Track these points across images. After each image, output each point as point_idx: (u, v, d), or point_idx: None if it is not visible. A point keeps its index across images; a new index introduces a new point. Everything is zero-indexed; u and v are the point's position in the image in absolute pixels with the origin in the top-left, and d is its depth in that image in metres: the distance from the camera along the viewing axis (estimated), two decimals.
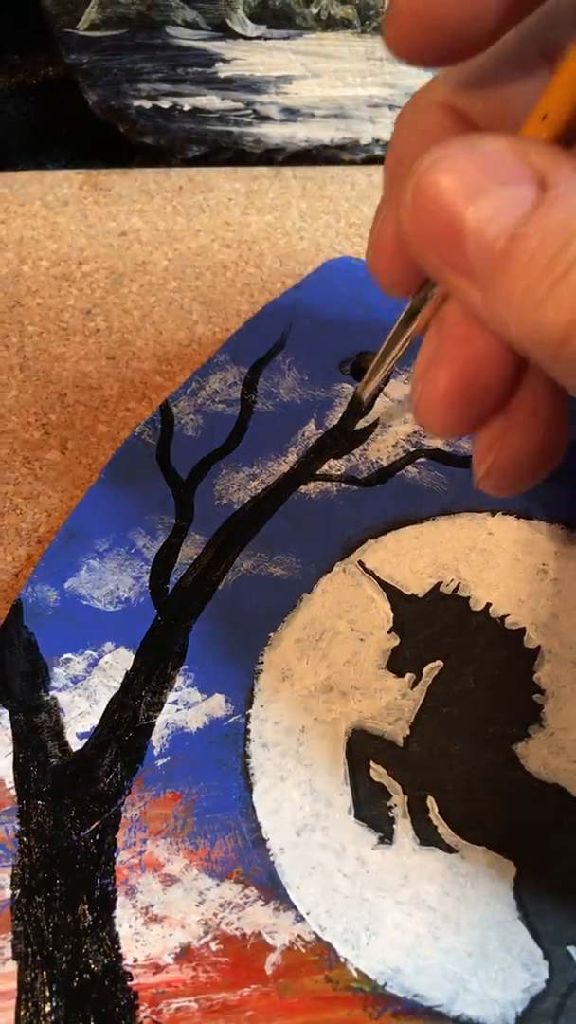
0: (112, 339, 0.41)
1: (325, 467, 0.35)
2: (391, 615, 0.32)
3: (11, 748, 0.30)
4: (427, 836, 0.28)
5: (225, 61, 0.44)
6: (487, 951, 0.27)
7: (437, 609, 0.32)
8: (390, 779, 0.29)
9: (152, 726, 0.30)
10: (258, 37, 0.44)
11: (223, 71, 0.45)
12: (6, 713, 0.30)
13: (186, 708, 0.30)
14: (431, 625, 0.32)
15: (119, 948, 0.27)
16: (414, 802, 0.29)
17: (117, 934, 0.27)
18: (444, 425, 0.22)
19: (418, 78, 0.45)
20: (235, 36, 0.44)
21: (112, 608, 0.32)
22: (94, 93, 0.46)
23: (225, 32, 0.43)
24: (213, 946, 0.27)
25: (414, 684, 0.31)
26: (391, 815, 0.28)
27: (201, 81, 0.45)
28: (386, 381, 0.31)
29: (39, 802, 0.29)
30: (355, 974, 0.26)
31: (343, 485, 0.35)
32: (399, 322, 0.25)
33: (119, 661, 0.31)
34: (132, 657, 0.31)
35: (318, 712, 0.30)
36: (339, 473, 0.35)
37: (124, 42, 0.44)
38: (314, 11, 0.43)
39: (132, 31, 0.44)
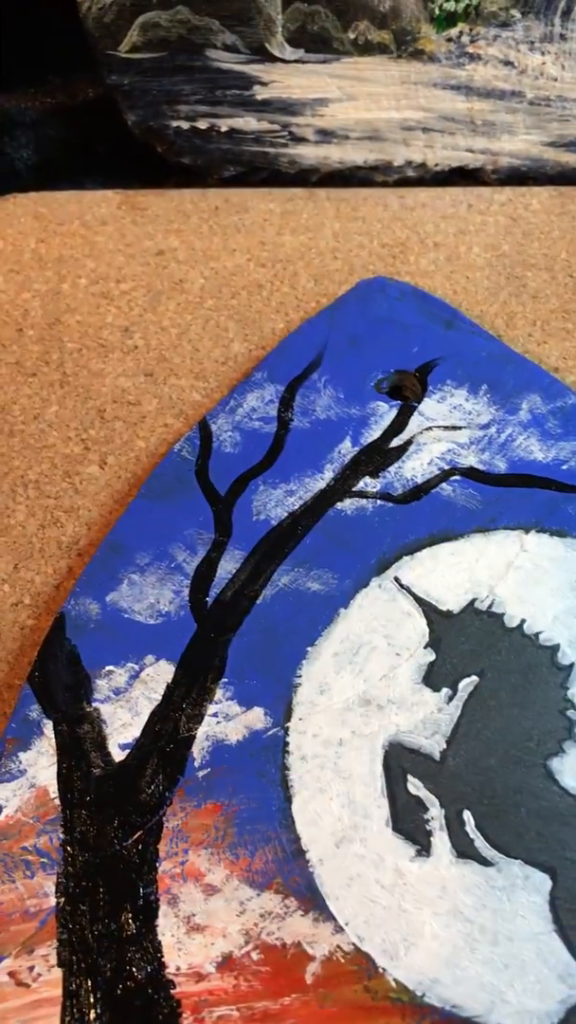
0: (150, 356, 0.42)
1: (361, 484, 0.36)
2: (427, 630, 0.32)
3: (55, 758, 0.30)
4: (464, 849, 0.29)
5: (263, 84, 0.45)
6: (523, 963, 0.27)
7: (472, 625, 0.32)
8: (427, 792, 0.29)
9: (193, 738, 0.31)
10: (296, 61, 0.44)
11: (260, 93, 0.46)
12: (50, 724, 0.31)
13: (226, 720, 0.31)
14: (466, 641, 0.32)
15: (162, 956, 0.27)
16: (451, 815, 0.29)
17: (160, 943, 0.27)
18: None
19: (452, 102, 0.46)
20: (273, 59, 0.44)
21: (153, 621, 0.33)
22: (133, 114, 0.47)
23: (263, 55, 0.44)
24: (254, 955, 0.27)
25: (450, 699, 0.31)
26: (428, 828, 0.29)
27: (239, 103, 0.46)
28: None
29: (82, 812, 0.29)
30: (394, 984, 0.27)
31: (378, 502, 0.35)
32: None
33: (160, 674, 0.32)
34: (172, 670, 0.32)
35: (355, 725, 0.31)
36: (374, 490, 0.36)
37: (164, 64, 0.45)
38: (352, 36, 0.44)
39: (172, 53, 0.44)
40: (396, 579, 0.34)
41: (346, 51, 0.44)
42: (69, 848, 0.29)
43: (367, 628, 0.33)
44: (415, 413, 0.37)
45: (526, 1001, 0.26)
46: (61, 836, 0.29)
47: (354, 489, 0.36)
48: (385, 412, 0.38)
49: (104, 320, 0.43)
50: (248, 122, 0.47)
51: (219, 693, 0.31)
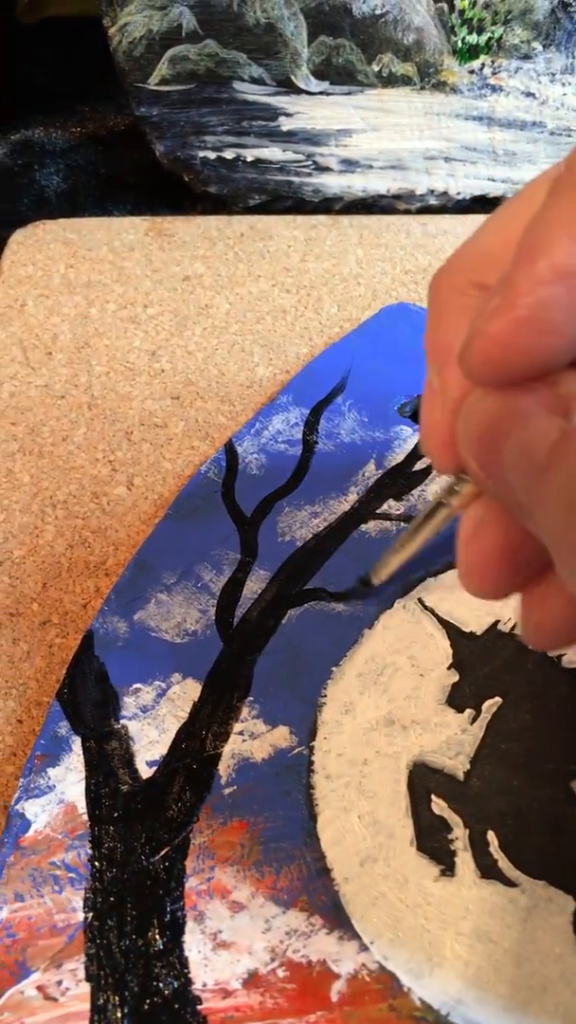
0: (176, 379, 0.43)
1: (385, 507, 0.36)
2: (450, 651, 0.33)
3: (83, 774, 0.31)
4: (488, 870, 0.29)
5: (288, 115, 0.46)
6: (547, 984, 0.27)
7: (495, 646, 0.33)
8: (451, 812, 0.30)
9: (219, 756, 0.31)
10: (321, 93, 0.46)
11: (286, 124, 0.47)
12: (79, 740, 0.31)
13: (252, 739, 0.31)
14: (490, 662, 0.32)
15: (189, 972, 0.27)
16: (475, 835, 0.29)
17: (187, 958, 0.28)
18: (487, 591, 0.22)
19: (473, 133, 0.47)
20: (299, 91, 0.45)
21: (180, 640, 0.33)
22: (161, 144, 0.48)
23: (289, 88, 0.45)
24: (280, 972, 0.27)
25: (473, 720, 0.31)
26: (452, 848, 0.29)
27: (264, 134, 0.47)
28: (404, 565, 0.32)
29: (110, 827, 0.30)
30: (418, 1003, 0.27)
31: (402, 524, 0.36)
32: (430, 507, 0.25)
33: (187, 692, 0.32)
34: (199, 688, 0.32)
35: (380, 745, 0.31)
36: (398, 513, 0.36)
37: (192, 96, 0.46)
38: (376, 68, 0.45)
39: (200, 86, 0.46)
40: (420, 600, 0.34)
41: (370, 83, 0.45)
42: (97, 863, 0.29)
43: (391, 649, 0.33)
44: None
45: (550, 1023, 0.26)
46: (89, 851, 0.29)
47: (378, 511, 0.36)
48: (409, 436, 0.38)
49: (132, 344, 0.44)
50: (273, 152, 0.48)
51: (245, 712, 0.32)
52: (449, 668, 0.32)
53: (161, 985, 0.27)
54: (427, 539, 0.28)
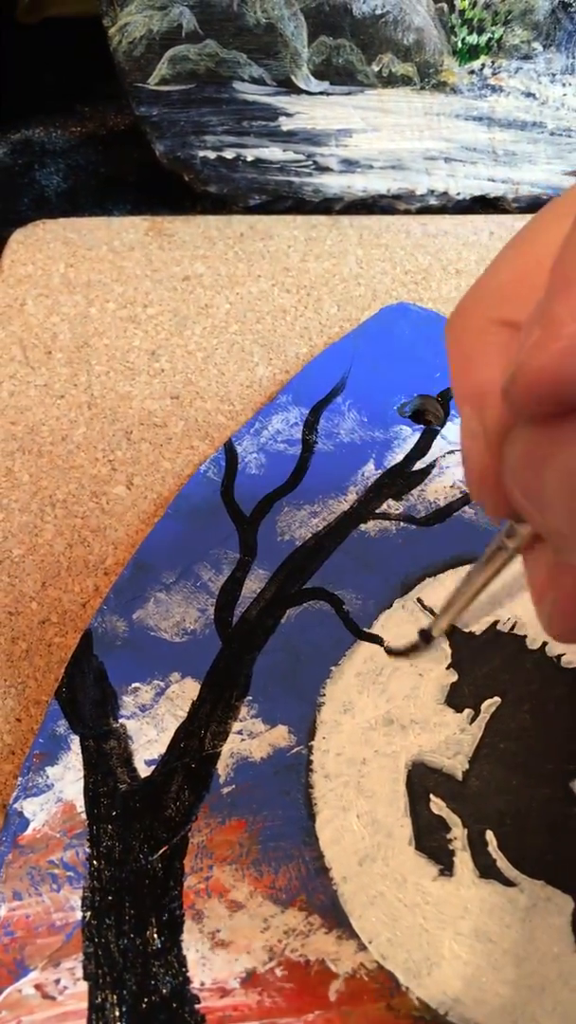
0: (176, 379, 0.43)
1: (384, 506, 0.36)
2: (449, 651, 0.33)
3: (82, 773, 0.31)
4: (487, 869, 0.29)
5: (288, 115, 0.46)
6: (545, 984, 0.27)
7: (494, 646, 0.33)
8: (449, 812, 0.30)
9: (217, 755, 0.31)
10: (321, 93, 0.46)
11: (286, 124, 0.47)
12: (77, 739, 0.31)
13: (250, 738, 0.31)
14: (489, 662, 0.32)
15: (187, 971, 0.27)
16: (473, 835, 0.29)
17: (185, 957, 0.28)
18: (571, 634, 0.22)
19: (474, 133, 0.47)
20: (299, 91, 0.45)
21: (178, 639, 0.33)
22: (161, 144, 0.48)
23: (289, 88, 0.45)
24: (278, 972, 0.27)
25: (472, 719, 0.31)
26: (451, 847, 0.29)
27: (265, 134, 0.47)
28: (464, 614, 0.32)
29: (109, 826, 0.30)
30: (417, 1003, 0.27)
31: (402, 524, 0.36)
32: (487, 555, 0.25)
33: (185, 691, 0.32)
34: (198, 687, 0.32)
35: (379, 745, 0.31)
36: (397, 512, 0.36)
37: (192, 96, 0.46)
38: (376, 68, 0.45)
39: (200, 86, 0.46)
40: (419, 600, 0.34)
41: (370, 83, 0.45)
42: (95, 862, 0.29)
43: (390, 646, 0.33)
44: (438, 437, 0.38)
45: (548, 1022, 0.26)
46: (87, 850, 0.29)
47: (377, 511, 0.36)
48: (408, 436, 0.38)
49: (131, 343, 0.44)
50: (273, 152, 0.48)
51: (244, 711, 0.32)
52: (448, 668, 0.32)
53: (159, 984, 0.27)
54: (486, 586, 0.28)
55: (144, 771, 0.31)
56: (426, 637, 0.33)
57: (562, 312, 0.16)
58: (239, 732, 0.31)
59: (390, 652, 0.33)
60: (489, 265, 0.21)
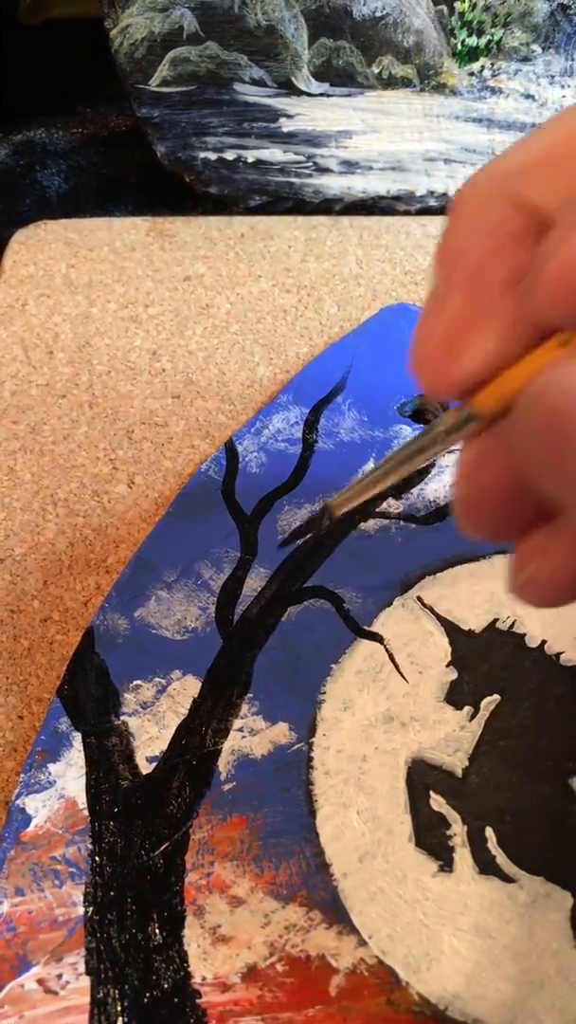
0: (177, 379, 0.43)
1: (384, 505, 0.37)
2: (449, 649, 0.33)
3: (84, 770, 0.31)
4: (486, 865, 0.29)
5: (289, 116, 0.47)
6: (544, 980, 0.27)
7: (494, 644, 0.33)
8: (449, 808, 0.30)
9: (218, 752, 0.31)
10: (321, 94, 0.46)
11: (286, 126, 0.47)
12: (79, 736, 0.32)
13: (251, 735, 0.32)
14: (488, 660, 0.33)
15: (188, 966, 0.28)
16: (473, 832, 0.29)
17: (186, 952, 0.28)
18: (482, 528, 0.20)
19: (473, 135, 0.47)
20: (299, 93, 0.46)
21: (180, 637, 0.34)
22: (163, 145, 0.48)
23: (290, 89, 0.46)
24: (279, 967, 0.27)
25: (472, 717, 0.32)
26: (451, 844, 0.29)
27: (265, 135, 0.47)
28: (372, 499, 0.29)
29: (110, 823, 0.30)
30: (417, 998, 0.27)
31: (401, 523, 0.36)
32: (422, 437, 0.21)
33: (186, 688, 0.32)
34: (199, 685, 0.33)
35: (379, 742, 0.31)
36: (397, 511, 0.36)
37: (193, 97, 0.46)
38: (376, 70, 0.45)
39: (201, 87, 0.46)
40: (419, 599, 0.34)
41: (370, 85, 0.45)
42: (97, 858, 0.29)
43: (390, 646, 0.33)
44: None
45: (547, 1018, 0.27)
46: (89, 846, 0.29)
47: (377, 510, 0.36)
48: (408, 435, 0.38)
49: (132, 343, 0.44)
50: (274, 153, 0.48)
51: (244, 708, 0.32)
52: (448, 666, 0.33)
53: (160, 979, 0.27)
54: (405, 471, 0.23)
55: (145, 768, 0.31)
56: (327, 514, 0.26)
57: None
58: (240, 729, 0.32)
59: (292, 534, 0.28)
60: (512, 144, 0.19)
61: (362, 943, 0.28)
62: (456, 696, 0.32)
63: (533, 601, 0.20)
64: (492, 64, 0.46)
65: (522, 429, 0.17)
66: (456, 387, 0.19)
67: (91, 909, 0.28)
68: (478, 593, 0.34)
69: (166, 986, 0.27)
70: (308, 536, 0.30)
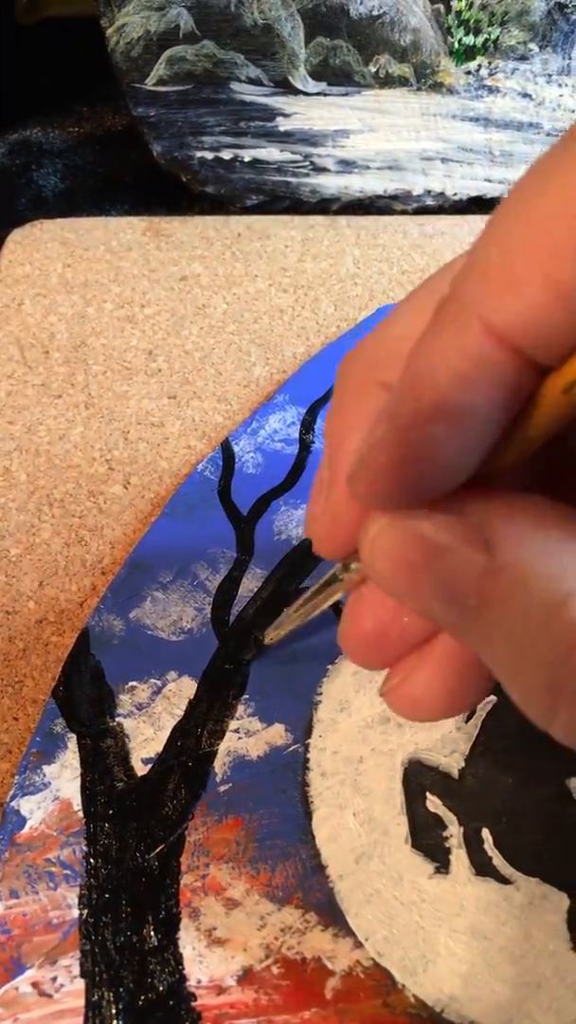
0: (173, 379, 0.43)
1: None
2: None
3: (79, 771, 0.31)
4: (482, 867, 0.29)
5: (285, 116, 0.46)
6: (541, 981, 0.27)
7: None
8: (446, 810, 0.30)
9: (214, 753, 0.31)
10: (318, 93, 0.46)
11: (283, 125, 0.47)
12: (74, 737, 0.31)
13: (247, 736, 0.31)
14: None
15: (183, 969, 0.27)
16: (469, 833, 0.29)
17: (181, 955, 0.28)
18: (363, 661, 0.22)
19: (470, 134, 0.47)
20: (296, 92, 0.46)
21: (175, 638, 0.34)
22: (159, 144, 0.48)
23: (287, 88, 0.45)
24: (274, 969, 0.27)
25: (468, 718, 0.31)
26: (447, 845, 0.29)
27: (262, 134, 0.47)
28: (296, 632, 0.31)
29: (105, 824, 0.30)
30: (413, 1000, 0.27)
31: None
32: (321, 582, 0.25)
33: (182, 689, 0.32)
34: (195, 686, 0.32)
35: (375, 743, 0.31)
36: None
37: (190, 97, 0.46)
38: (373, 69, 0.45)
39: (197, 86, 0.46)
40: None
41: (367, 84, 0.45)
42: (92, 860, 0.29)
43: None
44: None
45: (544, 1019, 0.26)
46: (84, 848, 0.29)
47: None
48: None
49: (128, 343, 0.44)
50: (271, 152, 0.48)
51: (240, 709, 0.32)
52: None
53: (155, 982, 0.27)
54: (320, 610, 0.27)
55: (141, 769, 0.31)
56: (257, 643, 0.33)
57: (406, 414, 0.16)
58: (236, 731, 0.32)
59: (231, 659, 0.33)
60: (387, 316, 0.20)
61: (358, 945, 0.28)
62: None
63: (398, 711, 0.22)
64: (489, 63, 0.45)
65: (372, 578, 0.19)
66: (340, 556, 0.22)
67: (86, 911, 0.28)
68: None
69: (161, 989, 0.27)
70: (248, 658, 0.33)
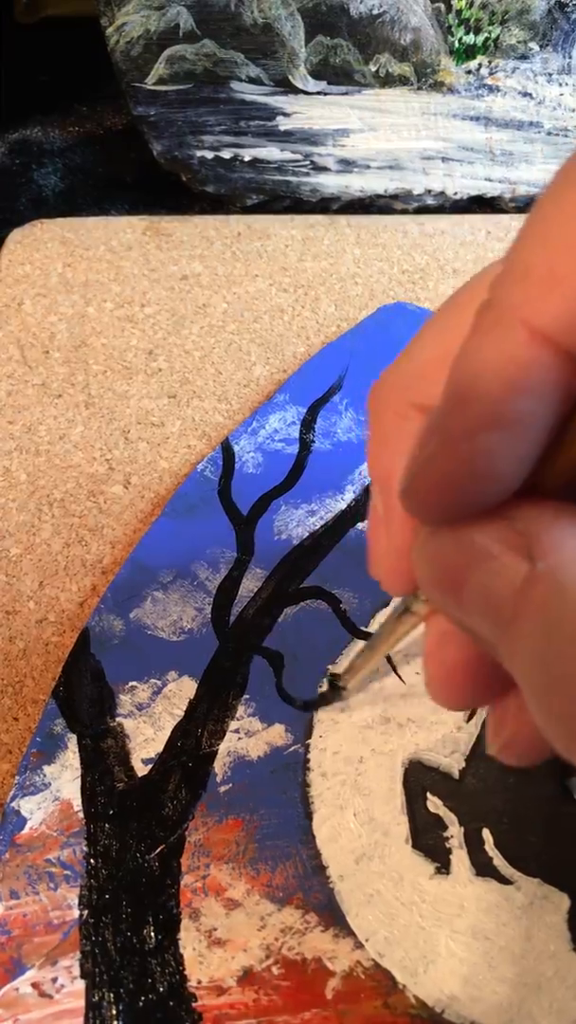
0: (173, 378, 0.43)
1: None
2: None
3: (79, 772, 0.31)
4: (483, 867, 0.29)
5: (286, 115, 0.46)
6: (542, 982, 0.27)
7: None
8: (446, 810, 0.30)
9: (214, 754, 0.31)
10: (318, 93, 0.46)
11: (283, 124, 0.47)
12: (74, 738, 0.31)
13: (247, 737, 0.31)
14: None
15: (183, 970, 0.27)
16: (470, 833, 0.29)
17: (181, 956, 0.28)
18: (452, 704, 0.21)
19: (471, 133, 0.47)
20: (296, 91, 0.46)
21: (176, 638, 0.34)
22: (159, 144, 0.48)
23: (287, 87, 0.45)
24: (275, 970, 0.27)
25: (469, 718, 0.31)
26: (448, 845, 0.29)
27: (262, 133, 0.47)
28: (373, 672, 0.31)
29: (106, 825, 0.30)
30: (413, 1001, 0.27)
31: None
32: (393, 617, 0.24)
33: (182, 690, 0.32)
34: (195, 686, 0.32)
35: (375, 743, 0.31)
36: None
37: (190, 96, 0.46)
38: (373, 68, 0.45)
39: (198, 85, 0.46)
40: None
41: (367, 83, 0.45)
42: (92, 861, 0.29)
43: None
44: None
45: (544, 1020, 0.26)
46: (84, 849, 0.29)
47: None
48: None
49: (129, 343, 0.44)
50: (271, 152, 0.48)
51: (240, 710, 0.32)
52: None
53: (156, 982, 0.27)
54: (393, 646, 0.27)
55: (141, 770, 0.31)
56: (334, 688, 0.32)
57: (455, 426, 0.16)
58: (236, 731, 0.32)
59: (303, 706, 0.32)
60: (414, 338, 0.20)
61: (359, 946, 0.28)
62: None
63: (514, 762, 0.21)
64: (490, 62, 0.45)
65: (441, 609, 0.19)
66: (410, 590, 0.21)
67: (86, 912, 0.28)
68: None
69: (161, 989, 0.27)
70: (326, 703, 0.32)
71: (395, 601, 0.25)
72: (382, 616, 0.34)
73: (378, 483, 0.20)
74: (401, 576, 0.20)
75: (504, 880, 0.29)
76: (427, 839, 0.29)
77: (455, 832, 0.29)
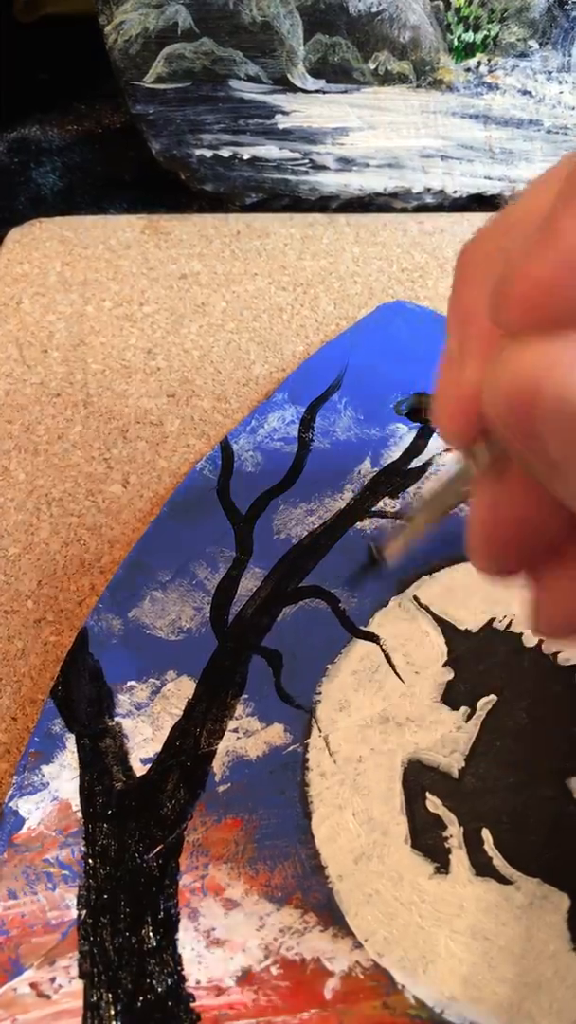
0: (172, 377, 0.43)
1: (380, 504, 0.36)
2: (445, 649, 0.33)
3: (77, 772, 0.31)
4: (482, 867, 0.29)
5: (284, 113, 0.46)
6: (542, 982, 0.27)
7: (491, 644, 0.33)
8: (446, 810, 0.30)
9: (213, 753, 0.31)
10: (317, 91, 0.45)
11: (282, 122, 0.47)
12: (73, 737, 0.31)
13: (246, 736, 0.31)
14: (485, 660, 0.32)
15: (182, 970, 0.27)
16: (470, 833, 0.29)
17: (180, 956, 0.28)
18: (495, 566, 0.20)
19: (470, 131, 0.47)
20: (295, 90, 0.45)
21: (174, 638, 0.33)
22: (158, 142, 0.48)
23: (285, 86, 0.45)
24: (273, 970, 0.27)
25: (468, 717, 0.31)
26: (447, 845, 0.29)
27: (261, 132, 0.47)
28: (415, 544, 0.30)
29: (104, 825, 0.30)
30: (412, 1001, 0.27)
31: (398, 522, 0.36)
32: (444, 481, 0.23)
33: (181, 689, 0.32)
34: (194, 686, 0.32)
35: (375, 743, 0.31)
36: (394, 510, 0.36)
37: (188, 94, 0.46)
38: (372, 66, 0.45)
39: (196, 84, 0.46)
40: (415, 598, 0.34)
41: (366, 81, 0.45)
42: (91, 861, 0.29)
43: (386, 646, 0.33)
44: (434, 435, 0.38)
45: (544, 1020, 0.26)
46: (83, 849, 0.29)
47: (374, 509, 0.36)
48: (404, 434, 0.38)
49: (127, 342, 0.44)
50: (270, 150, 0.48)
51: (239, 709, 0.32)
52: (444, 666, 0.32)
53: (154, 982, 0.27)
54: (441, 515, 0.25)
55: (140, 770, 0.31)
56: (374, 560, 0.28)
57: (567, 221, 0.15)
58: (235, 730, 0.31)
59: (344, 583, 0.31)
60: (508, 205, 0.20)
61: (358, 946, 0.28)
62: (452, 696, 0.32)
63: (551, 633, 0.21)
64: (489, 60, 0.45)
65: (500, 428, 0.18)
66: (470, 439, 0.20)
67: (84, 912, 0.28)
68: (475, 592, 0.34)
69: (160, 990, 0.27)
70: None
71: (444, 476, 0.23)
72: (380, 614, 0.34)
73: (456, 320, 0.20)
74: (467, 419, 0.19)
75: (504, 880, 0.28)
76: (426, 839, 0.29)
77: (454, 832, 0.29)
